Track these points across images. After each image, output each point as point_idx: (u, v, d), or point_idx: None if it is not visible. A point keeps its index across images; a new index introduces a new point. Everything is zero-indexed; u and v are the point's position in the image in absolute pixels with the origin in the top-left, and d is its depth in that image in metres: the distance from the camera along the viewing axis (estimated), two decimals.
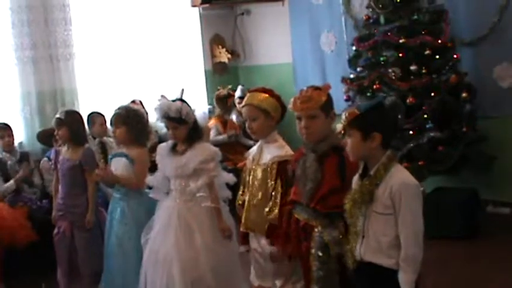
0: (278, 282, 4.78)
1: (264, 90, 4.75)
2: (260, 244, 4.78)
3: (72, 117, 6.06)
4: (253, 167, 4.75)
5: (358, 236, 3.71)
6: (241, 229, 4.84)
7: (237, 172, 6.25)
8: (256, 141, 4.95)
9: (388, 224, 3.58)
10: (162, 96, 5.14)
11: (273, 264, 4.75)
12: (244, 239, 4.90)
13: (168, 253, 4.96)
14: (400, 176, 3.60)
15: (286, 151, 4.66)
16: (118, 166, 5.58)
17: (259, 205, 4.67)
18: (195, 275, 4.94)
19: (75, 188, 5.96)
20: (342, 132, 3.72)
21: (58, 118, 5.95)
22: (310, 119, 4.12)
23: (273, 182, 4.61)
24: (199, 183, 4.96)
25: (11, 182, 7.12)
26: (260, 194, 4.69)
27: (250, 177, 4.77)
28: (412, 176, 3.62)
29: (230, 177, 5.20)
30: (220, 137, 8.85)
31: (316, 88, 4.19)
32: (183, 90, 5.17)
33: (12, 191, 7.11)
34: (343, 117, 3.67)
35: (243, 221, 4.80)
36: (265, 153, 4.71)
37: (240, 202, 4.91)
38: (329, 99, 4.16)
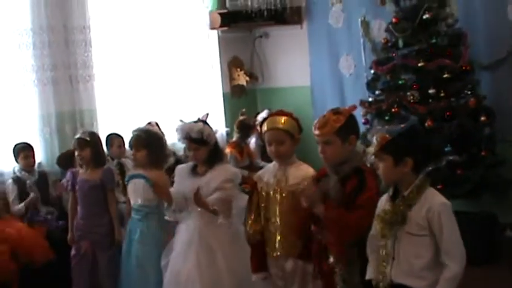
0: None
1: (283, 113, 4.76)
2: (285, 268, 4.72)
3: (95, 138, 6.12)
4: (278, 189, 4.70)
5: (389, 258, 3.71)
6: (276, 254, 4.71)
7: None
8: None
9: (422, 245, 3.60)
10: (180, 120, 5.17)
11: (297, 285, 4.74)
12: (261, 266, 4.79)
13: (189, 274, 4.96)
14: (436, 197, 3.64)
15: (313, 171, 4.66)
16: (138, 188, 5.60)
17: (293, 226, 4.61)
18: None
19: (96, 207, 6.01)
20: (374, 156, 3.73)
21: (82, 139, 5.98)
22: (325, 144, 4.15)
23: None
24: (214, 197, 4.94)
25: (21, 205, 7.14)
26: (293, 215, 4.60)
27: (275, 200, 4.70)
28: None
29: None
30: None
31: (336, 112, 4.19)
32: (207, 114, 5.20)
33: (22, 214, 7.11)
34: (375, 141, 3.69)
35: (277, 246, 4.69)
36: (294, 173, 4.67)
37: (251, 231, 4.79)
38: (348, 124, 4.15)
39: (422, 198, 3.62)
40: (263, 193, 4.76)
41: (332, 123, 4.12)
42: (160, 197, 5.49)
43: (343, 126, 4.13)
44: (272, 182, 4.73)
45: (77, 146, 5.98)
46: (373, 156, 3.76)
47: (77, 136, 6.06)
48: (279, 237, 4.68)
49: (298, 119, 4.73)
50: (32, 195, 7.17)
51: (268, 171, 4.84)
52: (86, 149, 5.96)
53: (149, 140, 5.60)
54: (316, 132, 4.18)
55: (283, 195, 4.67)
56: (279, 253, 4.69)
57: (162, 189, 5.47)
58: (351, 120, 4.21)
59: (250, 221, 4.83)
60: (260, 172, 4.94)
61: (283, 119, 4.69)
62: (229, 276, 4.98)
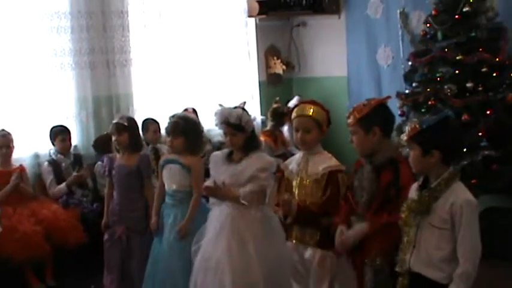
0: None
1: (314, 102, 4.77)
2: (304, 256, 4.78)
3: (133, 123, 6.13)
4: (298, 178, 4.74)
5: (409, 245, 3.71)
6: (295, 241, 4.82)
7: None
8: None
9: (443, 238, 3.60)
10: (220, 105, 5.17)
11: (314, 276, 4.78)
12: None
13: (220, 260, 4.96)
14: (462, 193, 3.63)
15: (336, 162, 4.71)
16: (174, 173, 5.62)
17: (310, 215, 4.67)
18: (246, 283, 4.93)
19: (131, 193, 6.02)
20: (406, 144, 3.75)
21: (120, 124, 5.99)
22: (352, 134, 4.17)
23: (322, 192, 4.64)
24: (246, 189, 4.94)
25: (63, 185, 7.22)
26: (311, 204, 4.68)
27: (295, 188, 4.77)
28: (472, 196, 3.64)
29: None
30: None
31: (366, 103, 4.21)
32: (245, 102, 5.21)
33: (63, 194, 7.19)
34: (406, 129, 3.69)
35: (294, 232, 4.79)
36: (314, 164, 4.72)
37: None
38: (372, 115, 4.17)
39: (449, 191, 3.62)
40: (287, 181, 4.85)
41: (355, 114, 4.15)
42: (193, 183, 5.51)
43: (366, 117, 4.15)
44: (295, 170, 4.81)
45: (114, 131, 5.98)
46: (408, 149, 3.78)
47: (115, 121, 6.05)
48: (296, 226, 4.78)
49: (328, 111, 4.76)
50: (73, 176, 7.26)
51: (295, 159, 4.91)
52: (124, 134, 5.97)
53: (187, 127, 5.59)
54: (347, 121, 4.23)
55: (303, 183, 4.74)
56: (295, 240, 4.82)
57: (198, 176, 5.50)
58: (378, 111, 4.21)
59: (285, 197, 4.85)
60: (288, 160, 5.01)
61: (313, 108, 4.73)
62: (259, 265, 4.96)
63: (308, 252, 4.78)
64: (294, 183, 4.79)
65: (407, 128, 3.73)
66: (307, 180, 4.73)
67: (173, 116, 5.68)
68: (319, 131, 4.70)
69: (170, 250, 5.57)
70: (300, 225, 4.78)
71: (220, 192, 4.96)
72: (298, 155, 4.88)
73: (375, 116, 4.19)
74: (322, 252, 4.71)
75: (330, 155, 4.79)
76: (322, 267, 4.73)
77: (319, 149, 4.80)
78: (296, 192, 4.76)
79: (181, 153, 5.60)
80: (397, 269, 3.83)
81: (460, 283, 3.55)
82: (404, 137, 3.76)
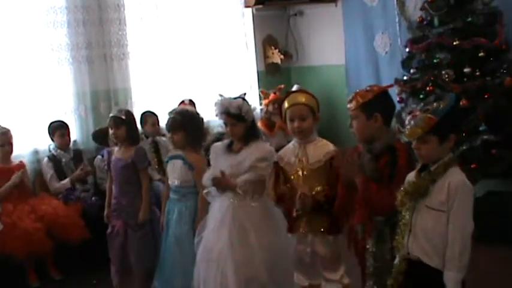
0: (333, 276, 4.83)
1: (304, 91, 4.82)
2: (314, 244, 4.79)
3: (130, 117, 6.13)
4: (299, 168, 4.74)
5: (406, 229, 3.73)
6: (303, 231, 4.82)
7: None
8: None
9: (439, 220, 3.61)
10: (220, 95, 5.17)
11: (326, 263, 4.80)
12: None
13: (221, 252, 4.96)
14: (459, 175, 3.65)
15: (333, 147, 4.76)
16: (176, 168, 5.63)
17: (316, 204, 4.67)
18: (249, 274, 4.93)
19: (128, 186, 6.01)
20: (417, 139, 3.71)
21: (118, 117, 5.99)
22: (352, 119, 4.17)
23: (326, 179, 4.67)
24: (243, 178, 4.93)
25: (67, 180, 7.24)
26: (316, 191, 4.69)
27: (297, 179, 4.77)
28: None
29: None
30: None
31: (369, 89, 4.21)
32: (245, 94, 5.21)
33: (66, 189, 7.20)
34: (413, 123, 3.68)
35: (301, 223, 4.80)
36: (313, 152, 4.72)
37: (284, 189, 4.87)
38: (375, 101, 4.17)
39: (447, 174, 3.64)
40: (287, 173, 4.83)
41: (358, 99, 4.15)
42: (197, 180, 5.52)
43: (369, 103, 4.15)
44: (294, 161, 4.80)
45: (112, 124, 5.97)
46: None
47: (112, 114, 6.04)
48: (308, 217, 4.74)
49: (318, 99, 4.79)
50: (78, 171, 7.28)
51: (289, 150, 4.90)
52: (121, 128, 5.97)
53: (185, 121, 5.58)
54: (347, 106, 4.24)
55: (305, 173, 4.73)
56: (305, 230, 4.79)
57: (201, 174, 5.51)
58: (381, 98, 4.21)
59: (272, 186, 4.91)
60: (281, 152, 4.98)
61: (305, 96, 4.76)
62: (261, 255, 4.97)
63: (317, 240, 4.78)
64: (294, 173, 4.78)
65: (415, 123, 3.68)
66: (310, 170, 4.72)
67: (171, 112, 5.68)
68: (313, 118, 4.73)
69: (177, 245, 5.57)
70: (309, 214, 4.77)
71: (227, 183, 4.95)
72: (292, 145, 4.88)
73: (378, 103, 4.19)
74: (332, 238, 4.72)
75: (325, 141, 4.80)
76: (333, 255, 4.73)
77: (315, 137, 4.81)
78: (300, 182, 4.74)
79: (184, 148, 5.61)
80: (395, 253, 3.84)
81: (451, 266, 3.56)
82: (415, 132, 3.69)
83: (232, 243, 4.96)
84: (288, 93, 4.91)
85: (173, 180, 5.66)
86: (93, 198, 7.18)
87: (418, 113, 3.73)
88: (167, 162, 5.74)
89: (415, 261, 3.71)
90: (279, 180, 4.89)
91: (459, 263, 3.55)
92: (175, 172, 5.62)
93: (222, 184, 4.97)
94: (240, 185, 4.91)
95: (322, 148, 4.73)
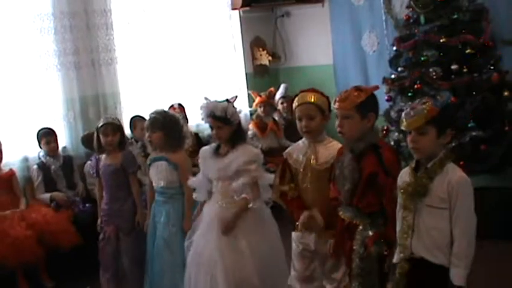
0: (335, 275, 4.76)
1: (314, 90, 4.77)
2: (317, 244, 4.75)
3: (120, 123, 6.16)
4: (309, 168, 4.69)
5: (409, 230, 3.74)
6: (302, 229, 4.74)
7: None
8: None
9: (442, 218, 3.63)
10: (205, 98, 5.19)
11: (328, 262, 4.76)
12: None
13: (211, 256, 4.98)
14: (457, 171, 3.66)
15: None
16: (160, 170, 5.63)
17: (320, 204, 4.64)
18: (239, 278, 4.96)
19: (119, 191, 6.03)
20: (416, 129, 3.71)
21: (116, 124, 6.05)
22: (345, 119, 4.18)
23: None
24: (240, 182, 4.98)
25: (47, 195, 7.22)
26: (321, 193, 4.64)
27: (303, 178, 4.72)
28: None
29: (273, 179, 5.11)
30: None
31: (358, 89, 4.22)
32: (236, 97, 5.22)
33: (46, 204, 7.18)
34: (411, 113, 3.68)
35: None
36: (324, 152, 4.68)
37: (289, 190, 4.81)
38: (368, 101, 4.18)
39: (444, 171, 3.64)
40: (294, 170, 4.79)
41: (353, 98, 4.16)
42: (182, 180, 5.53)
43: (364, 103, 4.15)
44: (302, 159, 4.75)
45: (110, 132, 5.97)
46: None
47: (107, 121, 6.05)
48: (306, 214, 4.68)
49: (329, 97, 4.74)
50: (62, 194, 7.26)
51: (298, 148, 4.85)
52: (117, 134, 6.01)
53: (165, 121, 5.61)
54: (336, 105, 4.22)
55: (313, 173, 4.69)
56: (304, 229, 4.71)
57: (185, 173, 5.52)
58: (372, 98, 4.24)
59: (278, 182, 4.87)
60: (289, 149, 4.94)
61: (314, 95, 4.70)
62: (251, 258, 4.99)
63: (313, 239, 4.73)
64: (302, 172, 4.74)
65: (418, 111, 3.68)
66: (318, 170, 4.67)
67: (153, 112, 5.71)
68: (322, 117, 4.66)
69: (166, 247, 5.58)
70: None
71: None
72: (302, 143, 4.82)
73: (371, 103, 4.23)
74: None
75: (335, 141, 4.73)
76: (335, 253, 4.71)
77: (325, 136, 4.76)
78: (308, 182, 4.70)
79: (162, 148, 5.63)
80: (399, 255, 3.83)
81: (458, 262, 3.57)
82: (416, 121, 3.70)
83: (221, 247, 4.98)
84: (300, 92, 4.89)
85: (158, 182, 5.68)
86: (86, 205, 7.17)
87: (418, 105, 3.74)
88: (149, 165, 5.75)
89: (418, 260, 3.72)
90: (285, 176, 4.84)
91: (466, 259, 3.57)
92: (160, 174, 5.65)
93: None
94: (238, 190, 4.94)
95: (331, 149, 4.66)
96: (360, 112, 4.15)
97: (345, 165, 4.17)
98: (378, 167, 4.03)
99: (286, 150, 4.94)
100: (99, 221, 6.16)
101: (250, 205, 5.02)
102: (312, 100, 4.66)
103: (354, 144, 4.17)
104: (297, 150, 4.84)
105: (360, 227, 4.11)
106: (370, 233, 4.05)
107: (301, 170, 4.73)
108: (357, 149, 4.14)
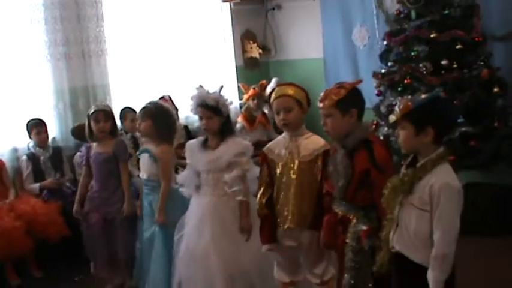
0: (317, 270, 4.79)
1: (292, 84, 4.77)
2: (300, 238, 4.73)
3: (112, 111, 6.16)
4: (292, 162, 4.66)
5: (393, 224, 3.73)
6: (289, 226, 4.68)
7: None
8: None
9: (422, 220, 3.58)
10: (200, 86, 5.17)
11: (312, 257, 4.77)
12: (272, 237, 4.80)
13: (205, 249, 4.98)
14: (444, 176, 3.57)
15: (324, 141, 4.68)
16: (144, 162, 5.66)
17: (306, 197, 4.64)
18: (236, 270, 4.97)
19: (109, 180, 6.04)
20: (396, 123, 3.73)
21: (107, 111, 6.07)
22: (326, 117, 4.18)
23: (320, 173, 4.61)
24: (232, 175, 4.97)
25: (37, 185, 7.22)
26: (306, 186, 4.64)
27: (288, 172, 4.69)
28: (457, 179, 3.60)
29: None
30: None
31: (339, 86, 4.22)
32: (222, 87, 5.20)
33: (36, 194, 7.18)
34: (397, 109, 3.70)
35: (290, 217, 4.66)
36: (306, 145, 4.66)
37: (264, 200, 4.79)
38: (349, 97, 4.16)
39: (433, 173, 3.57)
40: (275, 165, 4.76)
41: (332, 97, 4.15)
42: (160, 173, 5.53)
43: (343, 99, 4.13)
44: (284, 153, 4.72)
45: (102, 118, 5.97)
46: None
47: (99, 108, 6.05)
48: (292, 209, 4.66)
49: (307, 92, 4.74)
50: (52, 179, 7.25)
51: (279, 143, 4.82)
52: (108, 121, 6.01)
53: (156, 111, 5.62)
54: (319, 105, 4.22)
55: (296, 166, 4.66)
56: (291, 225, 4.67)
57: (165, 167, 5.55)
58: (353, 93, 4.20)
59: (259, 194, 4.83)
60: (270, 144, 4.90)
61: (291, 88, 4.70)
62: (245, 250, 5.00)
63: (305, 235, 4.71)
64: (284, 166, 4.71)
65: (397, 107, 3.69)
66: (302, 163, 4.64)
67: (147, 103, 5.74)
68: (300, 110, 4.64)
69: (151, 239, 5.59)
70: (296, 207, 4.68)
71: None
72: (283, 138, 4.80)
73: (352, 98, 4.18)
74: (315, 233, 4.64)
75: (316, 135, 4.72)
76: (318, 249, 4.70)
77: (305, 130, 4.74)
78: (289, 175, 4.68)
79: (151, 138, 5.64)
80: (380, 245, 3.85)
81: (436, 265, 3.52)
82: (393, 116, 3.73)
83: (214, 239, 4.98)
84: (277, 84, 4.88)
85: (142, 174, 5.70)
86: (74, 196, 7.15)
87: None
88: (139, 155, 5.77)
89: (399, 254, 3.72)
90: (262, 173, 4.84)
91: (443, 265, 3.52)
92: (143, 166, 5.67)
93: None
94: (230, 183, 4.95)
95: (315, 141, 4.67)
96: (340, 109, 4.13)
97: (338, 161, 4.17)
98: (369, 164, 4.03)
99: (266, 146, 4.90)
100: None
101: (240, 198, 5.02)
102: (289, 93, 4.65)
103: (344, 141, 4.17)
104: (278, 145, 4.81)
105: (354, 221, 4.11)
106: (364, 227, 4.05)
107: (283, 164, 4.70)
108: (348, 144, 4.13)
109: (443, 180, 3.53)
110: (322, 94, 4.22)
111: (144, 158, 5.66)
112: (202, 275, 5.01)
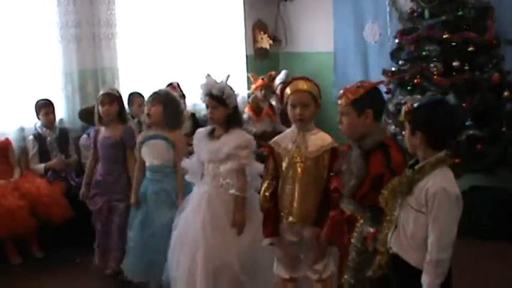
0: (317, 266, 4.77)
1: (306, 78, 4.75)
2: (303, 234, 4.71)
3: (120, 95, 6.17)
4: (296, 156, 4.65)
5: (391, 225, 3.73)
6: (292, 220, 4.67)
7: None
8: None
9: (418, 221, 3.58)
10: (208, 75, 5.17)
11: (313, 253, 4.75)
12: (274, 231, 4.78)
13: (195, 237, 5.00)
14: (442, 180, 3.54)
15: (331, 138, 4.66)
16: (157, 148, 5.64)
17: (311, 193, 4.63)
18: (218, 263, 4.96)
19: (115, 165, 6.09)
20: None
21: (112, 94, 6.10)
22: (342, 115, 4.15)
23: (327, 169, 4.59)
24: (227, 167, 4.98)
25: (42, 166, 7.23)
26: (311, 182, 4.63)
27: (294, 166, 4.67)
28: (455, 185, 3.56)
29: (262, 168, 5.04)
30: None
31: (360, 84, 4.18)
32: (228, 76, 5.19)
33: (40, 174, 7.18)
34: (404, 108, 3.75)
35: (294, 211, 4.65)
36: (313, 141, 4.65)
37: (262, 198, 4.79)
38: (366, 97, 4.10)
39: (431, 176, 3.56)
40: (281, 159, 4.74)
41: (349, 95, 4.12)
42: (177, 159, 5.54)
43: (360, 99, 4.09)
44: (291, 147, 4.69)
45: (106, 101, 5.99)
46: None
47: (105, 91, 6.09)
48: (295, 204, 4.65)
49: (319, 86, 4.74)
50: (56, 160, 7.26)
51: (286, 137, 4.78)
52: (114, 104, 6.03)
53: (167, 98, 5.65)
54: (338, 101, 4.19)
55: (303, 162, 4.64)
56: (294, 220, 4.66)
57: (181, 152, 5.54)
58: (372, 94, 4.15)
59: (263, 187, 4.81)
60: (277, 138, 4.87)
61: (306, 83, 4.68)
62: (235, 242, 5.00)
63: (307, 231, 4.68)
64: (291, 161, 4.67)
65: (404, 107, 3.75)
66: (309, 159, 4.62)
67: (156, 90, 5.76)
68: (315, 106, 4.63)
69: (170, 225, 5.56)
70: (301, 203, 4.67)
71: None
72: (291, 132, 4.76)
73: (369, 99, 4.12)
74: (319, 230, 4.61)
75: (323, 132, 4.70)
76: (319, 246, 4.69)
77: (313, 126, 4.72)
78: (295, 169, 4.66)
79: (158, 125, 5.64)
80: (378, 247, 3.85)
81: (430, 270, 3.51)
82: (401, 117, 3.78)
83: (205, 229, 5.00)
84: (291, 79, 4.85)
85: (152, 161, 5.67)
86: (79, 178, 7.15)
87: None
88: (142, 143, 5.73)
89: (395, 255, 3.72)
90: (268, 166, 4.82)
91: (437, 269, 3.50)
92: (154, 152, 5.65)
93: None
94: (224, 174, 4.95)
95: (322, 138, 4.65)
96: (356, 109, 4.09)
97: (352, 160, 4.13)
98: (384, 168, 3.99)
99: (273, 140, 4.86)
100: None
101: (233, 191, 5.02)
102: (306, 88, 4.64)
103: (360, 141, 4.13)
104: (285, 139, 4.77)
105: (360, 221, 4.10)
106: (371, 229, 4.03)
107: (290, 158, 4.67)
108: (365, 146, 4.10)
109: (440, 184, 3.51)
110: (341, 91, 4.21)
111: (157, 144, 5.65)
112: (187, 262, 5.03)
